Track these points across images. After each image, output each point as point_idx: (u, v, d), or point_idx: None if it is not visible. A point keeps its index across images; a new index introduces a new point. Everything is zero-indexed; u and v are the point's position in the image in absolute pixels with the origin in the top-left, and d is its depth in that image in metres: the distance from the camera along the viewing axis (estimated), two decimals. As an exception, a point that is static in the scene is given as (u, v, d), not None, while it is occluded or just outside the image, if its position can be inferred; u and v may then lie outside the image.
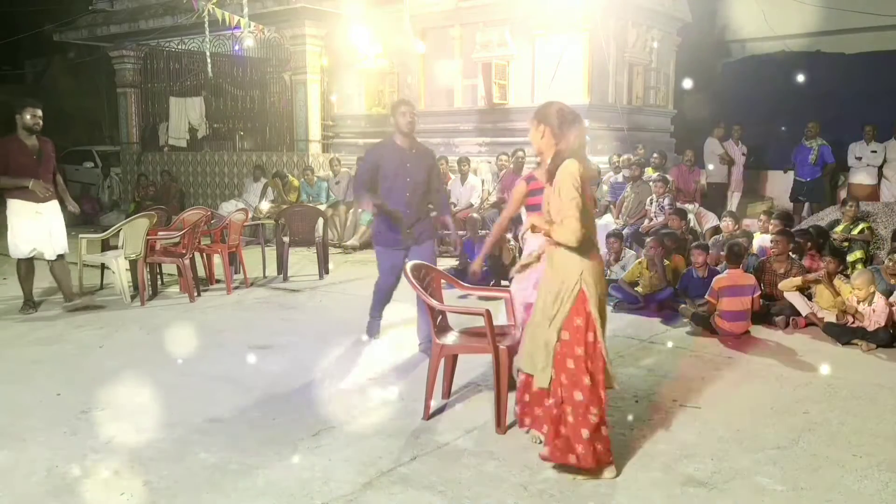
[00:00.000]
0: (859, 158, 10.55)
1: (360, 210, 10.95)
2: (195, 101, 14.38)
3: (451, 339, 4.26)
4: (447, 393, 4.41)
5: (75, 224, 6.93)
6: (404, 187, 5.30)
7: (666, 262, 7.01)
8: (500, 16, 10.75)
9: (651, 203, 8.88)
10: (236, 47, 13.12)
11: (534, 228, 3.54)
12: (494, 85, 10.80)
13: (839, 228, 7.68)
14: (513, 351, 4.11)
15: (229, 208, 10.93)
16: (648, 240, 7.39)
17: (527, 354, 3.58)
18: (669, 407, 4.34)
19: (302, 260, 9.17)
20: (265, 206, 11.36)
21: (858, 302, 5.74)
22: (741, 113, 11.73)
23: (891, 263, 6.18)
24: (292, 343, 5.77)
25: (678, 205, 8.78)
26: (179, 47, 14.21)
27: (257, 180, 12.34)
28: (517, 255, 8.45)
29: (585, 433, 3.33)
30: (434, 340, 4.16)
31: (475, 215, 8.95)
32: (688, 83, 12.06)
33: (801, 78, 11.64)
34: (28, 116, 6.44)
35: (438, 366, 4.17)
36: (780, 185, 11.75)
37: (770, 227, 7.23)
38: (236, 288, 7.87)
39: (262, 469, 3.54)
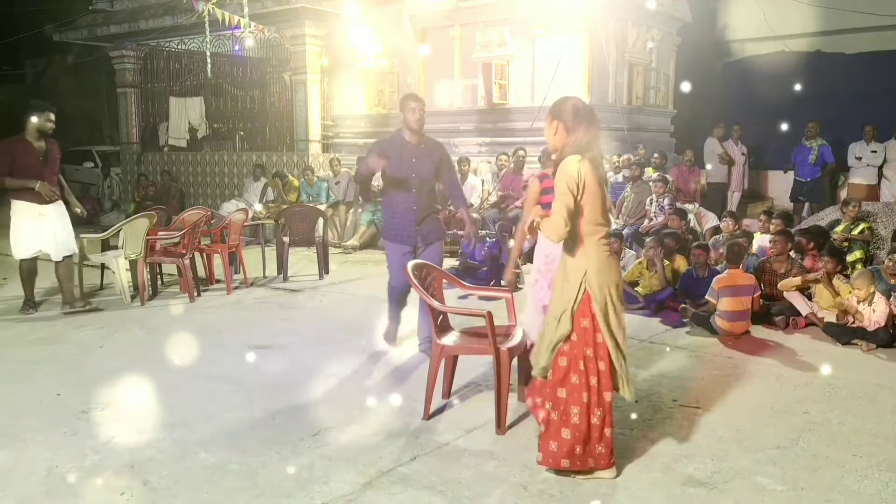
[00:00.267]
0: (859, 158, 10.56)
1: (359, 210, 10.97)
2: (195, 101, 14.39)
3: (451, 339, 4.26)
4: (447, 393, 4.41)
5: (76, 224, 6.92)
6: (410, 184, 5.18)
7: (666, 262, 7.02)
8: (500, 16, 10.75)
9: (651, 203, 8.88)
10: (236, 47, 13.13)
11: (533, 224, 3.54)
12: (494, 85, 10.81)
13: (839, 228, 7.67)
14: (514, 352, 4.11)
15: (230, 208, 10.93)
16: (648, 240, 7.39)
17: (535, 353, 3.58)
18: (669, 407, 4.34)
19: (302, 260, 9.17)
20: (258, 207, 11.29)
21: (858, 302, 5.73)
22: (741, 113, 11.73)
23: (891, 263, 6.18)
24: (292, 343, 5.77)
25: (678, 205, 8.78)
26: (179, 47, 14.21)
27: (257, 180, 12.34)
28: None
29: (609, 431, 3.37)
30: (435, 341, 4.16)
31: (475, 215, 8.94)
32: (688, 83, 12.05)
33: (801, 78, 11.64)
34: (44, 120, 6.45)
35: (439, 366, 4.16)
36: (780, 185, 11.76)
37: (771, 228, 7.23)
38: (236, 288, 7.87)
39: (262, 469, 3.54)
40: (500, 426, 3.94)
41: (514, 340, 4.16)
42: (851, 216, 7.67)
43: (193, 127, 14.49)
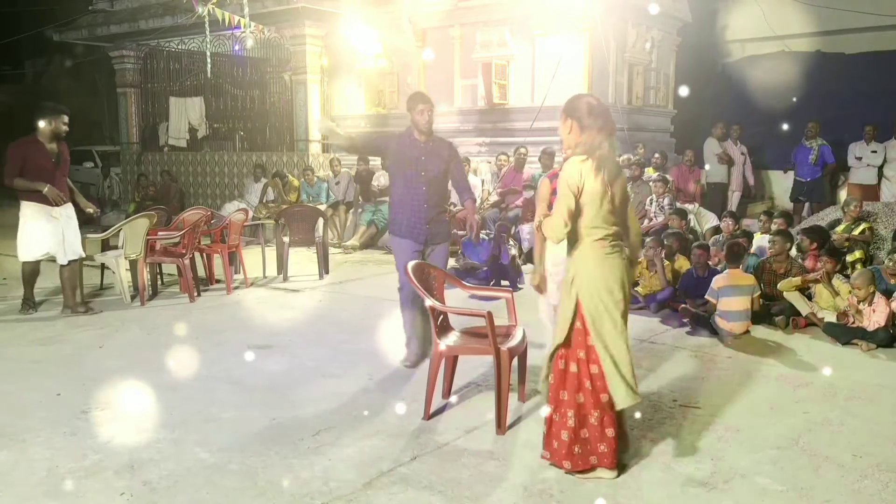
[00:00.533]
0: (859, 158, 10.55)
1: (359, 210, 10.97)
2: (195, 101, 14.39)
3: (452, 339, 4.26)
4: (447, 393, 4.41)
5: (83, 225, 6.92)
6: (420, 182, 5.09)
7: (668, 262, 7.01)
8: (500, 16, 10.75)
9: (651, 203, 8.89)
10: (236, 47, 13.13)
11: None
12: (494, 85, 10.80)
13: (840, 228, 7.67)
14: (514, 352, 4.11)
15: (231, 209, 10.92)
16: (648, 240, 7.37)
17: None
18: (669, 407, 4.34)
19: (302, 260, 9.17)
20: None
21: (858, 302, 5.74)
22: (741, 113, 11.72)
23: (891, 263, 6.18)
24: (292, 343, 5.76)
25: (678, 205, 8.78)
26: (179, 47, 14.22)
27: (258, 180, 12.34)
28: (517, 255, 8.47)
29: (611, 431, 3.36)
30: (435, 341, 4.16)
31: (475, 216, 8.93)
32: (688, 83, 12.05)
33: (801, 78, 11.63)
34: (59, 123, 6.46)
35: (439, 366, 4.16)
36: (780, 185, 11.76)
37: (771, 228, 7.23)
38: (236, 288, 7.87)
39: (262, 469, 3.54)
40: (501, 426, 3.93)
41: (515, 340, 4.16)
42: (853, 216, 7.67)
43: (193, 127, 14.49)
